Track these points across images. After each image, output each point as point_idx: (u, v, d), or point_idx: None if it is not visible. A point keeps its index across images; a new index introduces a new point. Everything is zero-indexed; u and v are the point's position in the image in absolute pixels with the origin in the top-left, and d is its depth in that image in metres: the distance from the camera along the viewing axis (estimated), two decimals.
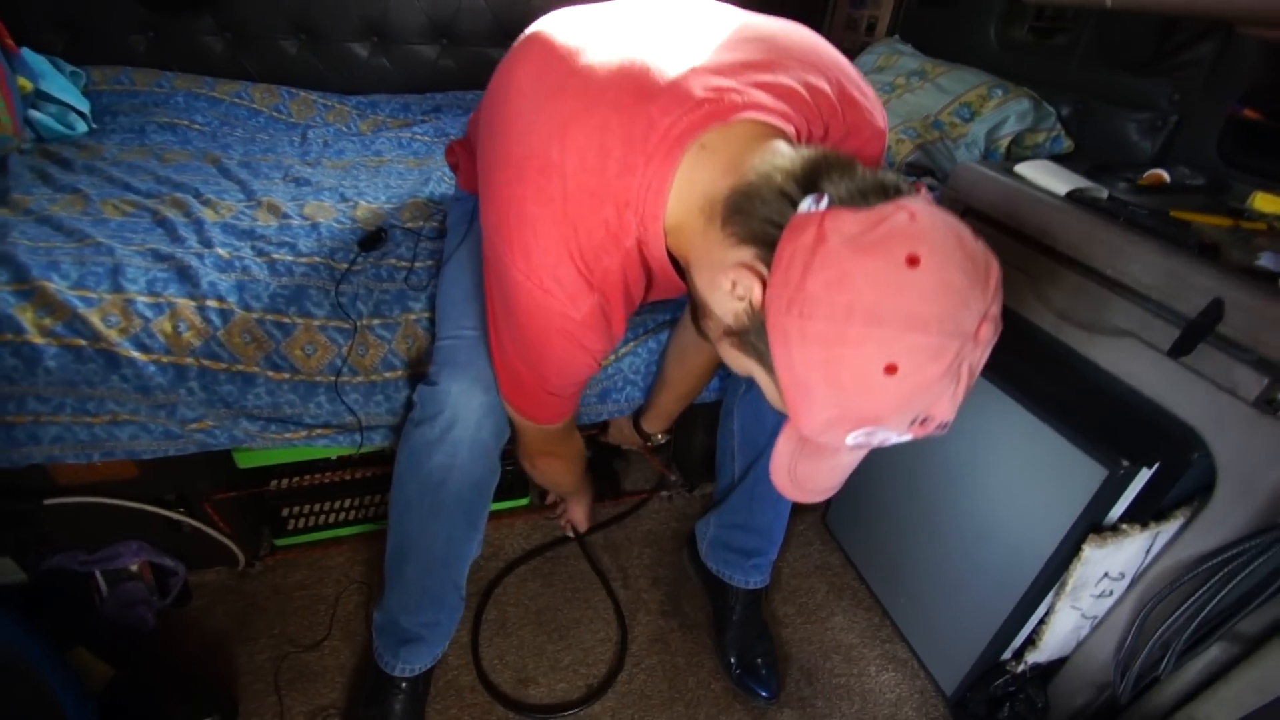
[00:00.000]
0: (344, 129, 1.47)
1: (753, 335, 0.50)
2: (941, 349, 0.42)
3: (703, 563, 1.14)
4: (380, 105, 1.55)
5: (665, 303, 1.04)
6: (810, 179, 0.47)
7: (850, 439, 0.48)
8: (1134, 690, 0.81)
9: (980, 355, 0.44)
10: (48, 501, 0.96)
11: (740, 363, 0.55)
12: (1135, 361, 0.76)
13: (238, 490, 1.10)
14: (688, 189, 0.54)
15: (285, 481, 1.14)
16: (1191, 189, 0.97)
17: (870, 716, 1.03)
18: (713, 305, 0.55)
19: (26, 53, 1.25)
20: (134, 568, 1.08)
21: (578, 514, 1.21)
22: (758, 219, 0.48)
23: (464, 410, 0.77)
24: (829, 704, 1.04)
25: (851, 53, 1.74)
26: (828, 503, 1.34)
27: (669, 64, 0.55)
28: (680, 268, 0.61)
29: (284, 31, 1.51)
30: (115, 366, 0.79)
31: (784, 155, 0.50)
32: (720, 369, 1.03)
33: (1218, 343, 0.67)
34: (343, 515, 1.23)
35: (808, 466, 0.55)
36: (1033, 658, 0.90)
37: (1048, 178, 0.92)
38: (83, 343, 0.78)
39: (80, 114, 1.30)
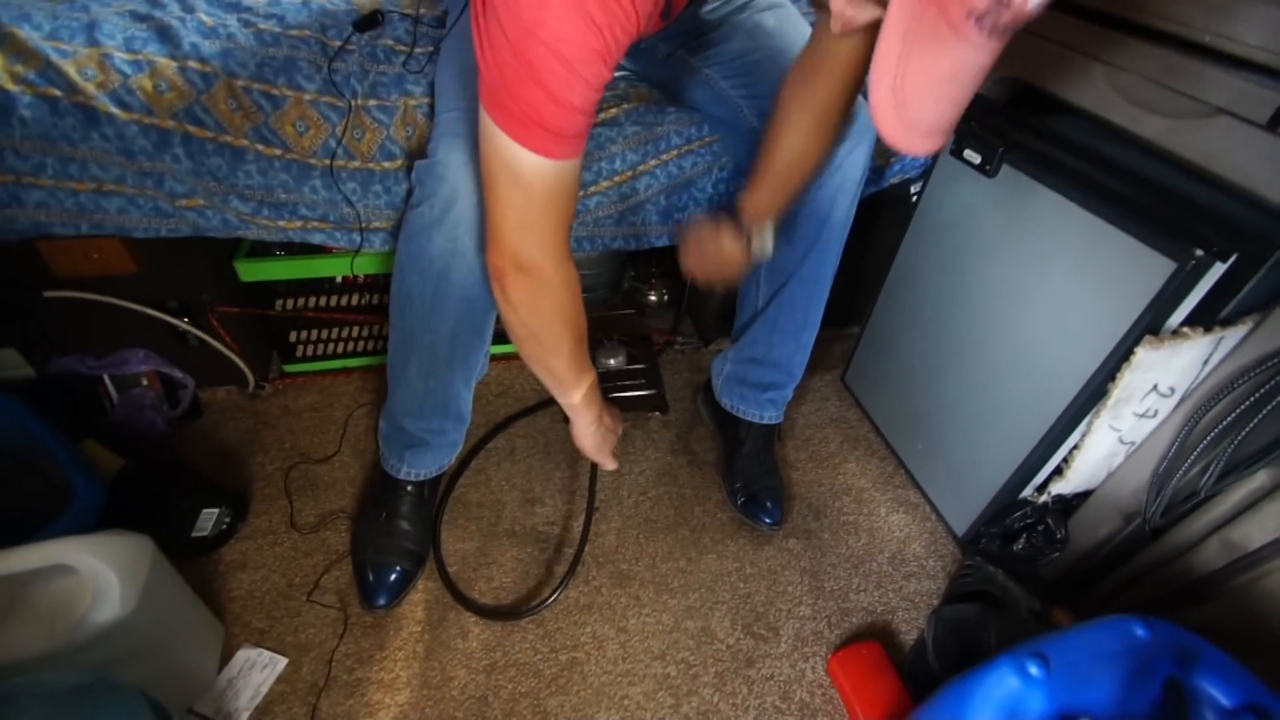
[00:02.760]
0: None
1: None
2: None
3: (716, 400, 1.10)
4: None
5: (687, 124, 0.95)
6: None
7: None
8: (1165, 513, 0.76)
9: None
10: (48, 293, 0.94)
11: None
12: (1225, 143, 0.66)
13: (242, 306, 1.08)
14: None
15: (290, 302, 1.11)
16: None
17: (877, 549, 1.01)
18: None
19: None
20: (143, 379, 1.08)
21: (585, 436, 0.83)
22: None
23: (465, 186, 0.71)
24: (835, 537, 1.03)
25: None
26: (847, 361, 1.28)
27: None
28: None
29: None
30: (95, 123, 0.73)
31: None
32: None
33: None
34: (351, 345, 1.21)
35: (919, 68, 0.43)
36: (1058, 488, 0.86)
37: None
38: (58, 94, 0.72)
39: None
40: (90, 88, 0.73)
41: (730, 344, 1.07)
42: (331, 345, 1.20)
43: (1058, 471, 0.86)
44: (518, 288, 0.65)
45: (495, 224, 0.63)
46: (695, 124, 0.96)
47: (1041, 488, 0.88)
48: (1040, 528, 0.89)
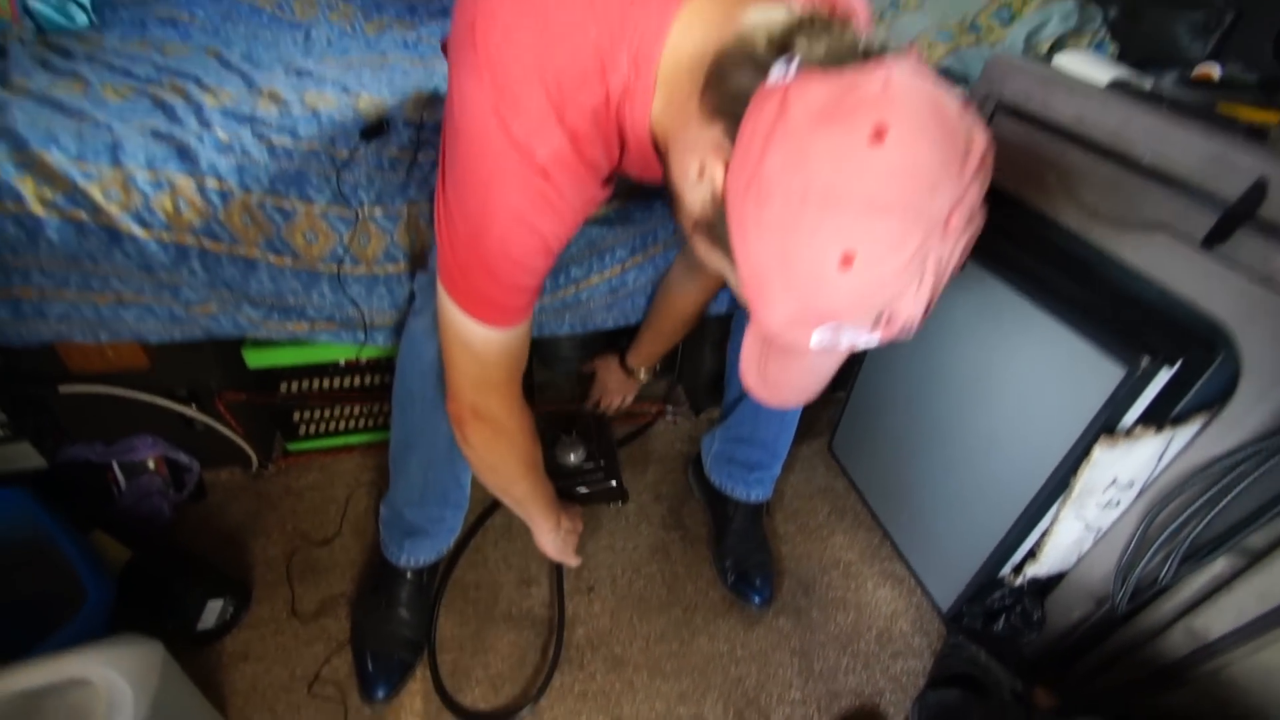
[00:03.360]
0: (348, 29, 1.42)
1: (718, 226, 0.46)
2: (903, 238, 0.38)
3: (706, 477, 1.14)
4: (385, 6, 1.49)
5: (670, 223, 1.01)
6: (788, 38, 0.42)
7: (814, 340, 0.45)
8: (1131, 599, 0.80)
9: (951, 248, 0.40)
10: (63, 389, 0.98)
11: (711, 257, 0.51)
12: (1165, 256, 0.72)
13: (249, 391, 1.12)
14: (684, 38, 0.49)
15: (295, 385, 1.15)
16: (1242, 84, 0.90)
17: (865, 627, 1.04)
18: (684, 194, 0.52)
19: None
20: (150, 463, 1.11)
21: (546, 543, 0.90)
22: (730, 89, 0.44)
23: None
24: (824, 614, 1.05)
25: None
26: (833, 430, 1.33)
27: None
28: (661, 154, 0.56)
29: None
30: (117, 242, 0.78)
31: (771, 14, 0.45)
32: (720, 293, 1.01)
33: (1257, 228, 0.63)
34: (353, 423, 1.24)
35: (778, 366, 0.51)
36: (1032, 571, 0.90)
37: (1088, 68, 0.86)
38: (84, 216, 0.77)
39: (80, 5, 1.26)
40: (114, 209, 0.78)
41: (719, 422, 1.11)
42: (334, 423, 1.23)
43: (1031, 554, 0.89)
44: (476, 433, 0.71)
45: (452, 380, 0.68)
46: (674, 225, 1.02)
47: (1018, 569, 0.92)
48: (1018, 609, 0.92)
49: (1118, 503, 0.80)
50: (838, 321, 0.43)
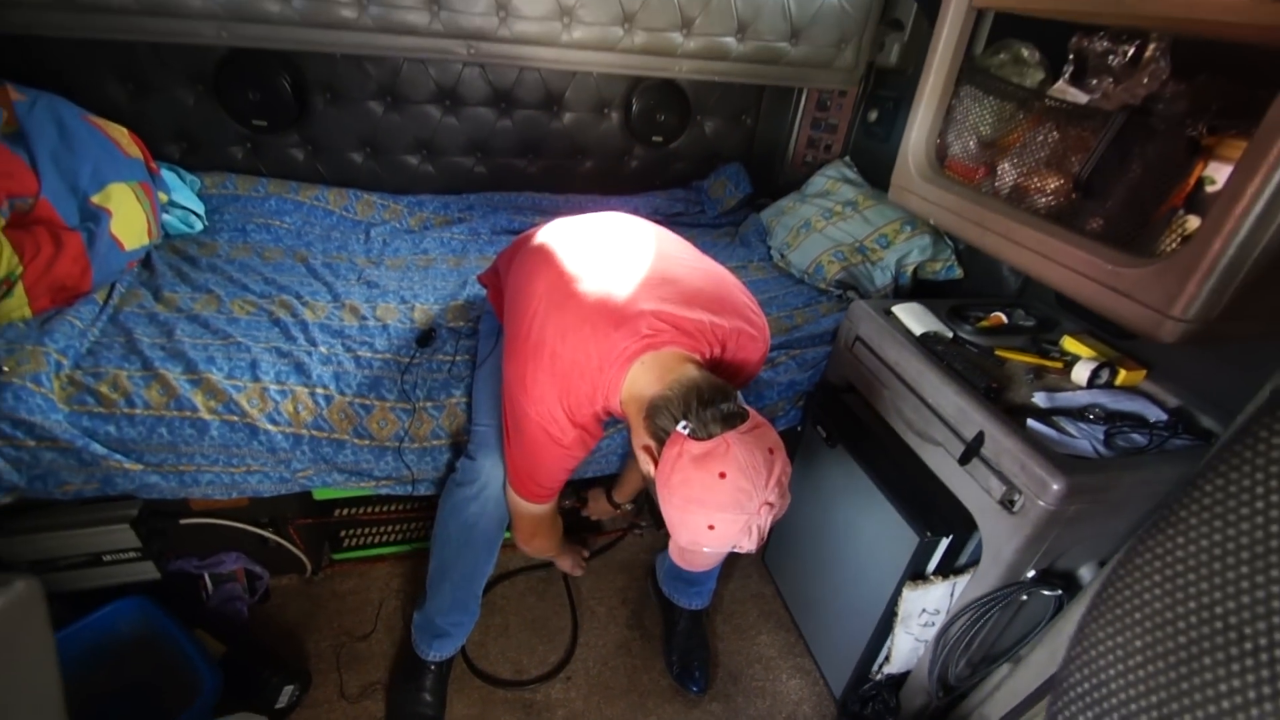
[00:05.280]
0: (398, 225, 1.85)
1: (651, 486, 0.86)
2: (735, 521, 0.76)
3: (659, 587, 1.49)
4: (425, 203, 1.93)
5: None
6: (688, 405, 0.80)
7: (704, 549, 0.84)
8: (945, 694, 1.15)
9: (764, 521, 0.78)
10: (182, 521, 1.33)
11: (651, 492, 0.91)
12: (943, 464, 1.11)
13: (313, 516, 1.47)
14: (632, 386, 0.89)
15: (346, 511, 1.50)
16: (1021, 329, 1.34)
17: (777, 711, 1.37)
18: (638, 456, 0.90)
19: (163, 170, 1.64)
20: (230, 572, 1.44)
21: (566, 565, 1.54)
22: (658, 425, 0.83)
23: (492, 478, 1.14)
24: (747, 700, 1.38)
25: (811, 167, 2.13)
26: (767, 543, 1.68)
27: (631, 302, 0.91)
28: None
29: (353, 146, 1.90)
30: (255, 435, 1.16)
31: (680, 383, 0.83)
32: None
33: (983, 459, 1.03)
34: (385, 537, 1.59)
35: (689, 554, 0.89)
36: (888, 670, 1.25)
37: (912, 320, 1.29)
38: (235, 419, 1.15)
39: (197, 215, 1.68)
40: (254, 413, 1.16)
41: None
42: (370, 538, 1.58)
43: (887, 658, 1.24)
44: (529, 544, 1.20)
45: (516, 523, 1.14)
46: None
47: (879, 668, 1.27)
48: (880, 697, 1.27)
49: (933, 623, 1.17)
50: (713, 548, 0.81)
